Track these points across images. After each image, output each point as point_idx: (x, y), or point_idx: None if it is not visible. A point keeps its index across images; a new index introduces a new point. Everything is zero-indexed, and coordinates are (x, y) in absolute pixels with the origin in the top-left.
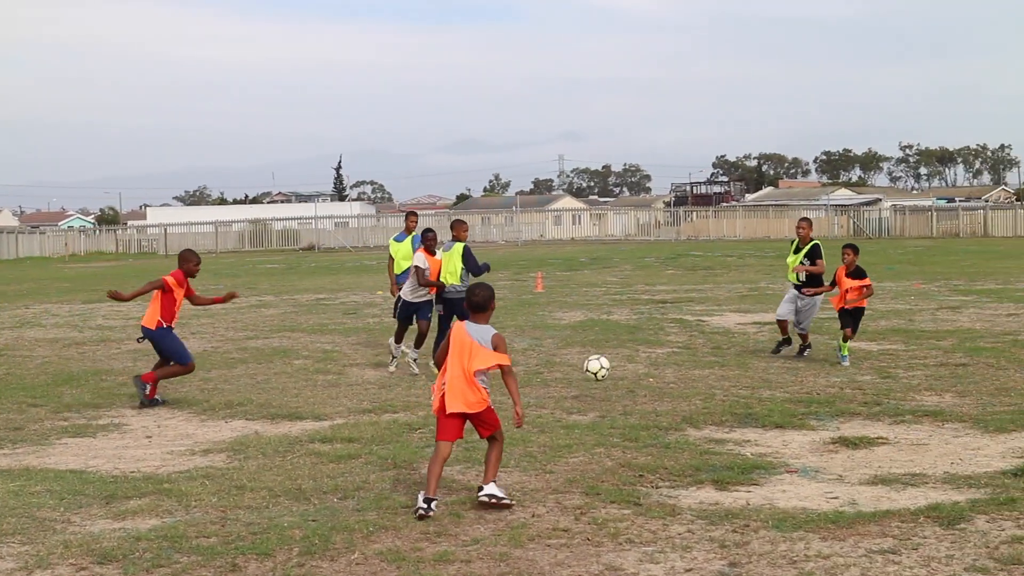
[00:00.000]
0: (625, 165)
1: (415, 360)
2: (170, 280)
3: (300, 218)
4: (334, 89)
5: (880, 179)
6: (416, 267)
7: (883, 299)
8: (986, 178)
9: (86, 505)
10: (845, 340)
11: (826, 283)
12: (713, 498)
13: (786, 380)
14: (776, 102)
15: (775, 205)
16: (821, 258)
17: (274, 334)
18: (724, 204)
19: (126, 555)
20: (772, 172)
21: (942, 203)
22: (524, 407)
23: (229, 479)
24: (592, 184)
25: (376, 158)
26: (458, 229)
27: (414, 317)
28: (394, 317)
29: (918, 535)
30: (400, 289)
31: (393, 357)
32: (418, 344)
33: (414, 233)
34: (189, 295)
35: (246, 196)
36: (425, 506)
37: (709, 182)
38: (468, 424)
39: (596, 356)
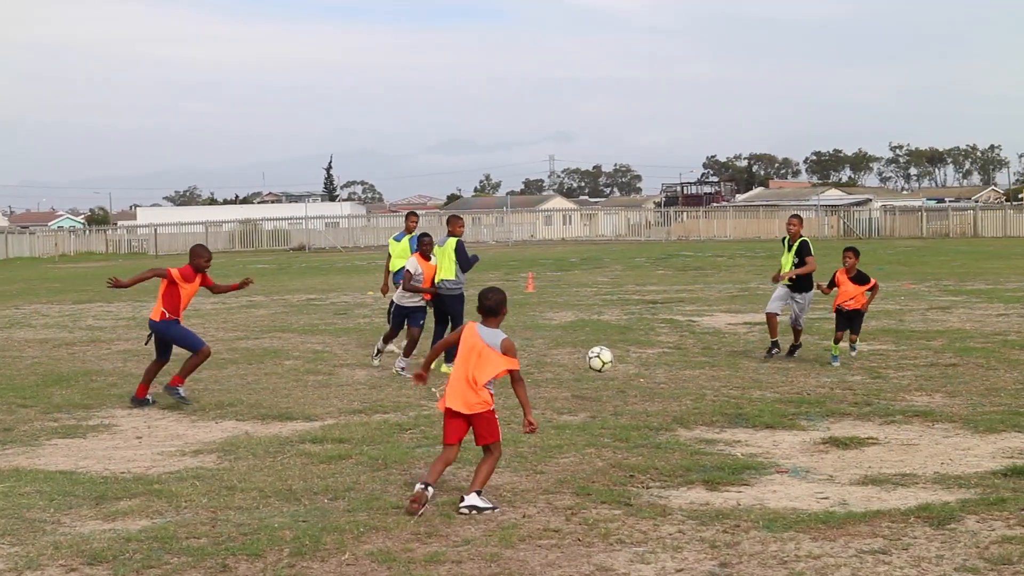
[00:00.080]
0: (616, 165)
1: (403, 369)
2: (175, 272)
3: (291, 218)
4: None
5: (870, 179)
6: (406, 271)
7: (873, 299)
8: (976, 178)
9: (76, 506)
10: (836, 342)
11: (820, 283)
12: (704, 498)
13: (776, 380)
14: (766, 102)
15: (765, 205)
16: (811, 255)
17: (264, 335)
18: (714, 204)
19: (116, 556)
20: (762, 172)
21: (932, 203)
22: (515, 408)
23: (219, 480)
24: (583, 184)
25: (367, 158)
26: (454, 224)
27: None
28: (388, 322)
29: (908, 535)
30: (391, 288)
31: (379, 352)
32: (407, 352)
33: (414, 234)
34: (207, 284)
35: (236, 196)
36: (422, 486)
37: (699, 182)
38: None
39: (596, 353)
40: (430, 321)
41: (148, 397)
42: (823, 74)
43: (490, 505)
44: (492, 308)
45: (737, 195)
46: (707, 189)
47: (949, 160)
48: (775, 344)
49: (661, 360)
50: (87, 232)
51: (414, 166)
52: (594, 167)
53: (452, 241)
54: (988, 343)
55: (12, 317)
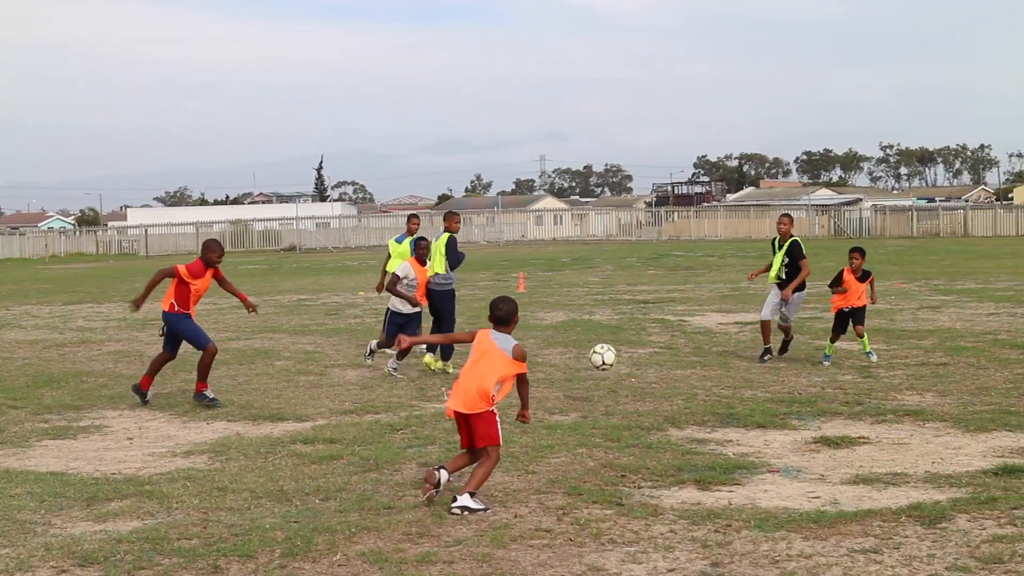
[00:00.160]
0: (606, 165)
1: (395, 370)
2: (182, 270)
3: (281, 219)
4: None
5: (861, 179)
6: (395, 274)
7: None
8: (966, 178)
9: (67, 507)
10: (833, 342)
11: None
12: (695, 498)
13: (768, 380)
14: (757, 102)
15: (756, 205)
16: (803, 257)
17: (255, 335)
18: (705, 204)
19: (107, 557)
20: (753, 172)
21: (922, 203)
22: (506, 407)
23: (210, 481)
24: (574, 184)
25: (357, 158)
26: (450, 220)
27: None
28: (382, 330)
29: (899, 534)
30: (384, 288)
31: (371, 352)
32: (400, 356)
33: (414, 236)
34: (218, 277)
35: (227, 197)
36: (438, 468)
37: (690, 182)
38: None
39: (601, 352)
40: (428, 321)
41: (148, 393)
42: (814, 74)
43: (482, 507)
44: (503, 318)
45: (728, 195)
46: (698, 189)
47: (939, 160)
48: (767, 351)
49: (652, 360)
50: (77, 233)
51: (405, 166)
52: (585, 167)
53: (445, 236)
54: (978, 342)
55: (2, 318)
